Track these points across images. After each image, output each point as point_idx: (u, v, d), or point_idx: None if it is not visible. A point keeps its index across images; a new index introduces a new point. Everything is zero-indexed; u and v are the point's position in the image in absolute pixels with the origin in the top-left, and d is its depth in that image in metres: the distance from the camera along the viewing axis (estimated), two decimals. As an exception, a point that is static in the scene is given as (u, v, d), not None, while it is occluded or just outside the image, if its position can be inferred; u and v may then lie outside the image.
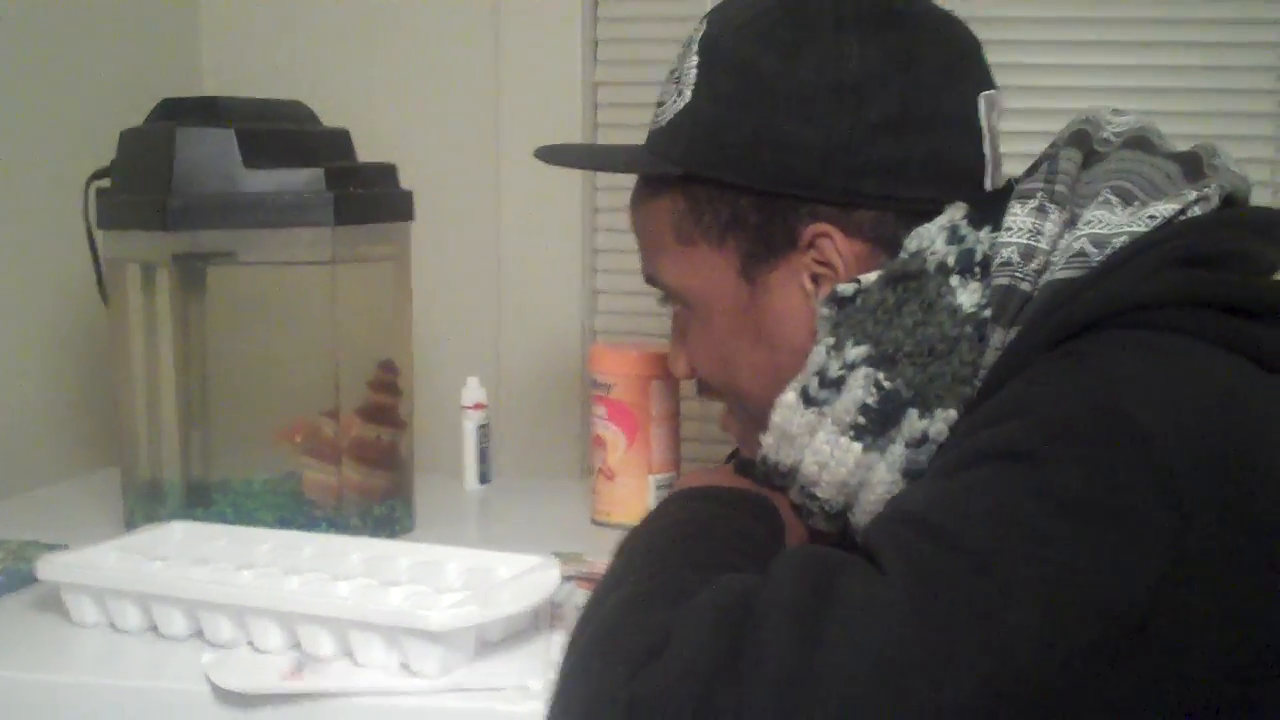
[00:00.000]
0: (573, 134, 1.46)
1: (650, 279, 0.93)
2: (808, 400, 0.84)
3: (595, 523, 1.25)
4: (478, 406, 1.38)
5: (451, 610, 0.83)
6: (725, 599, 0.68)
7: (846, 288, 0.83)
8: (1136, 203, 0.79)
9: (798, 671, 0.63)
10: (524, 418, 1.50)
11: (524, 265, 1.50)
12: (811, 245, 0.84)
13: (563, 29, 1.46)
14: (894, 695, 0.62)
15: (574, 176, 1.45)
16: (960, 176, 0.85)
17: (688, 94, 0.86)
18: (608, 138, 1.48)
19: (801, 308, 0.86)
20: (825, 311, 0.84)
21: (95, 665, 0.90)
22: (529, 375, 1.51)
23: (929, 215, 0.83)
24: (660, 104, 0.90)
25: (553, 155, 0.97)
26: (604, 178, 1.47)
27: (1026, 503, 0.65)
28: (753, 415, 0.90)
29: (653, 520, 0.86)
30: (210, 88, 1.52)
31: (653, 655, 0.67)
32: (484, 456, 1.38)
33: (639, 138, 0.93)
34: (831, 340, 0.83)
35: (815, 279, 0.85)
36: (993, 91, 0.86)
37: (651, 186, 0.91)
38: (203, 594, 0.89)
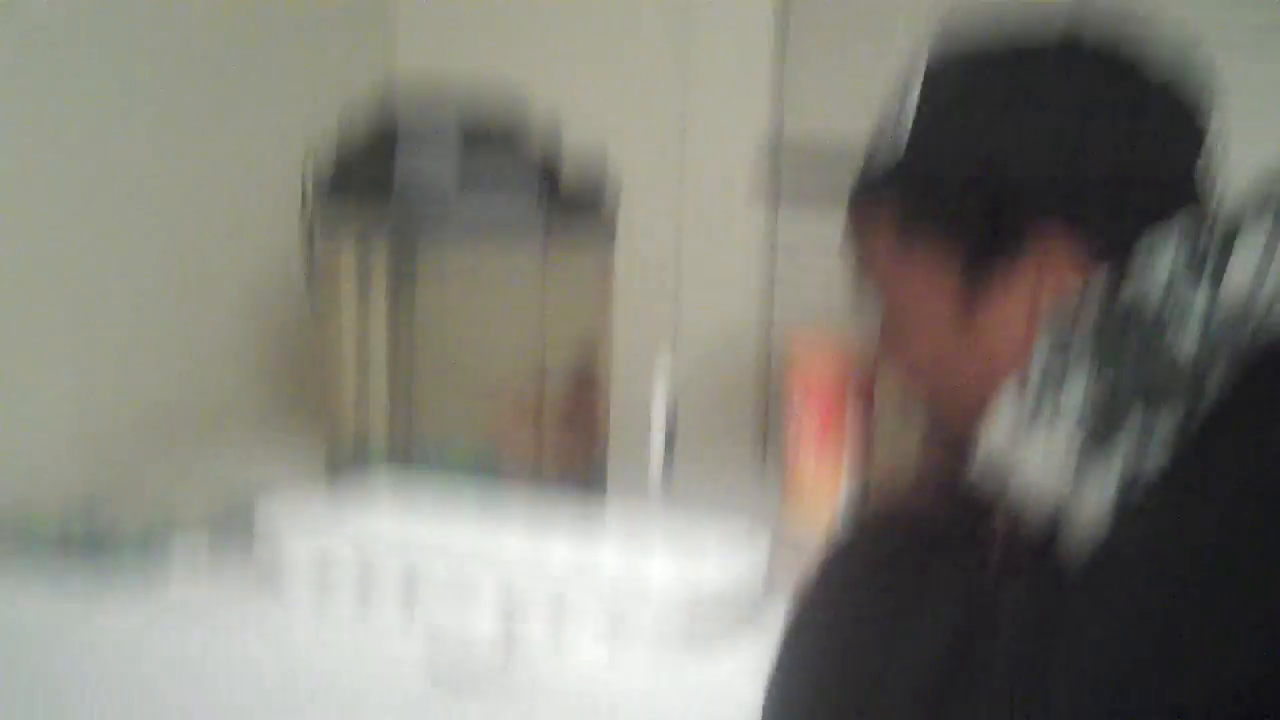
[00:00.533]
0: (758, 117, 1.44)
1: (859, 276, 0.91)
2: (1024, 411, 0.81)
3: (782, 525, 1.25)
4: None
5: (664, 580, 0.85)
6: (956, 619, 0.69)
7: (1071, 301, 0.80)
8: None
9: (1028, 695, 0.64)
10: (706, 409, 1.51)
11: (704, 254, 1.50)
12: (1037, 253, 0.82)
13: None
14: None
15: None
16: (1185, 184, 0.83)
17: (910, 113, 0.86)
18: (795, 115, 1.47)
19: (1021, 316, 0.83)
20: (1046, 325, 0.81)
21: (306, 629, 0.93)
22: (708, 367, 1.51)
23: (1158, 218, 0.80)
24: (883, 127, 0.89)
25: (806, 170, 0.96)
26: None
27: (1257, 547, 0.65)
28: (956, 426, 0.88)
29: (862, 537, 0.84)
30: (405, 57, 1.56)
31: (881, 676, 0.68)
32: (670, 438, 1.39)
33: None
34: (1052, 353, 0.80)
35: (1039, 285, 0.83)
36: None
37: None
38: (420, 550, 0.92)
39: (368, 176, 1.14)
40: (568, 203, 1.15)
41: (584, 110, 1.48)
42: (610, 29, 1.52)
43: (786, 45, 1.47)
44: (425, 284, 1.20)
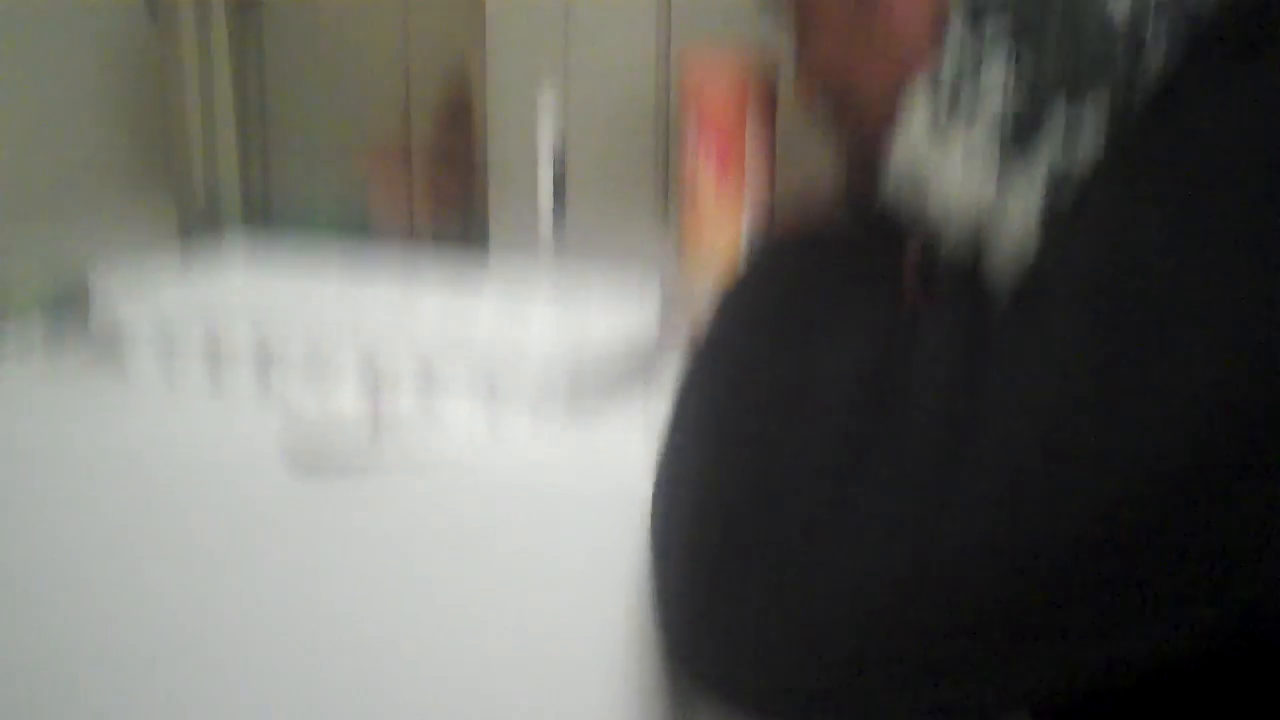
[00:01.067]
0: None
1: None
2: (936, 121, 0.73)
3: (679, 259, 1.16)
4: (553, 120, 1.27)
5: (546, 345, 0.76)
6: (873, 352, 0.61)
7: None
8: None
9: (957, 422, 0.56)
10: (597, 147, 1.40)
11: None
12: None
13: None
14: (1065, 443, 0.54)
15: None
16: None
17: None
18: None
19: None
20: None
21: (154, 418, 0.84)
22: (600, 98, 1.40)
23: None
24: None
25: None
26: None
27: (1218, 243, 0.56)
28: (866, 133, 0.79)
29: (759, 272, 0.77)
30: None
31: (790, 423, 0.60)
32: (560, 179, 1.29)
33: None
34: (965, 27, 0.71)
35: None
36: None
37: None
38: (274, 319, 0.82)
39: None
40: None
41: None
42: None
43: None
44: (271, 14, 1.07)
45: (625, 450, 0.75)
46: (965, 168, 0.73)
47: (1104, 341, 0.55)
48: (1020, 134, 0.71)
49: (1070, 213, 0.70)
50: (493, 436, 0.77)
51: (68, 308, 0.96)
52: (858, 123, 0.80)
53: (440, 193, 1.10)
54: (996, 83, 0.71)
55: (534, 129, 1.26)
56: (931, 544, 0.55)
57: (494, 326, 0.86)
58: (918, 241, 0.80)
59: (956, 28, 0.72)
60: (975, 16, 0.71)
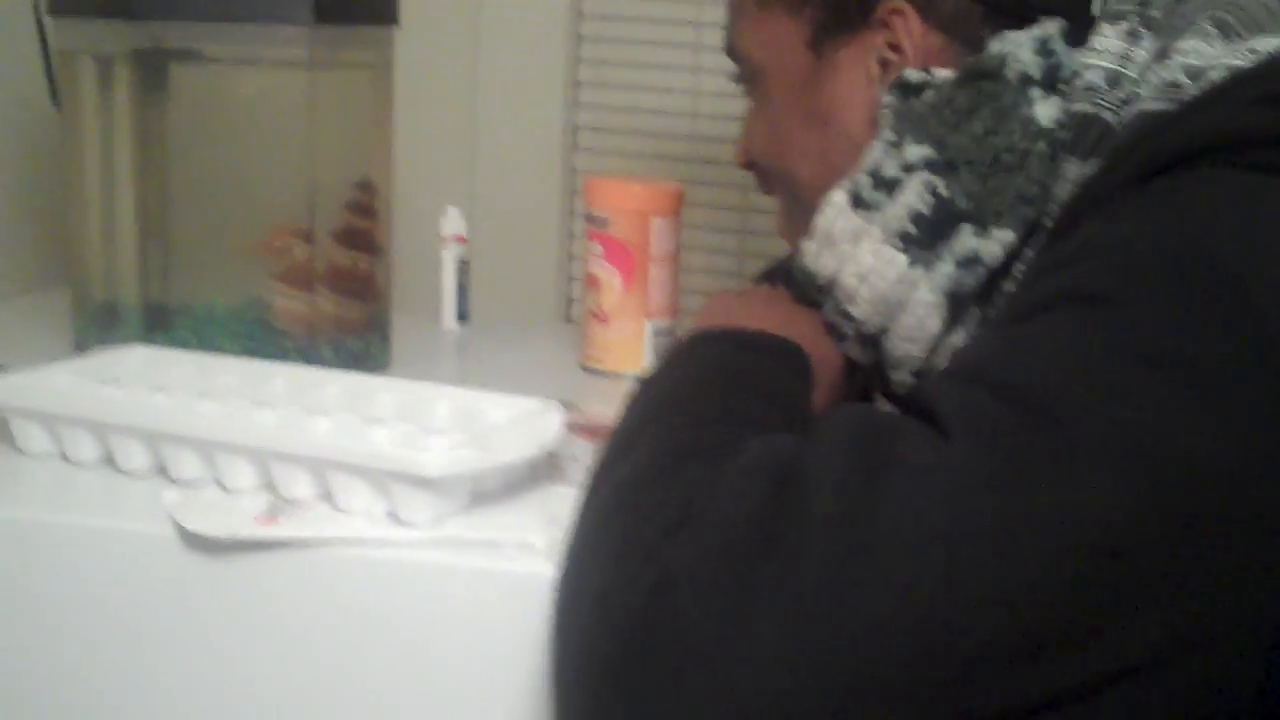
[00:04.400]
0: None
1: (729, 49, 0.90)
2: (857, 202, 0.77)
3: (586, 369, 1.16)
4: (458, 239, 1.28)
5: (446, 454, 0.75)
6: (766, 459, 0.60)
7: (915, 74, 0.77)
8: (1235, 36, 0.71)
9: (852, 542, 0.55)
10: (501, 254, 1.41)
11: (503, 86, 1.39)
12: (885, 24, 0.79)
13: None
14: (961, 569, 0.55)
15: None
16: None
17: None
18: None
19: (864, 92, 0.81)
20: (889, 99, 0.78)
21: (47, 499, 0.81)
22: (507, 209, 1.41)
23: (1021, 25, 0.76)
24: None
25: None
26: (591, 3, 1.36)
27: (1106, 354, 0.58)
28: (805, 210, 0.84)
29: (671, 367, 0.77)
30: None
31: (683, 522, 0.59)
32: (463, 294, 1.29)
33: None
34: (892, 136, 0.76)
35: (884, 65, 0.80)
36: None
37: None
38: (166, 424, 0.80)
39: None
40: (337, 13, 1.02)
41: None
42: None
43: None
44: (176, 117, 1.06)
45: (524, 535, 0.74)
46: (874, 251, 0.76)
47: (1002, 464, 0.56)
48: (925, 239, 0.74)
49: (977, 333, 0.73)
50: (391, 519, 0.76)
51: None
52: (792, 189, 0.87)
53: (343, 300, 1.09)
54: (911, 197, 0.74)
55: (438, 240, 1.27)
56: (831, 639, 0.55)
57: (395, 415, 0.85)
58: (825, 310, 0.82)
59: (878, 148, 0.77)
60: (899, 139, 0.76)
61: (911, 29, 0.78)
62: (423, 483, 0.74)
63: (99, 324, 1.07)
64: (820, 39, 0.82)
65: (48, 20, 1.06)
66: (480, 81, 1.39)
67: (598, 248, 1.13)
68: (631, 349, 1.13)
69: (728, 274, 1.45)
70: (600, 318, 1.14)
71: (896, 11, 0.79)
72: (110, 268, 1.08)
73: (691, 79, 1.43)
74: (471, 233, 1.31)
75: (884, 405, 0.85)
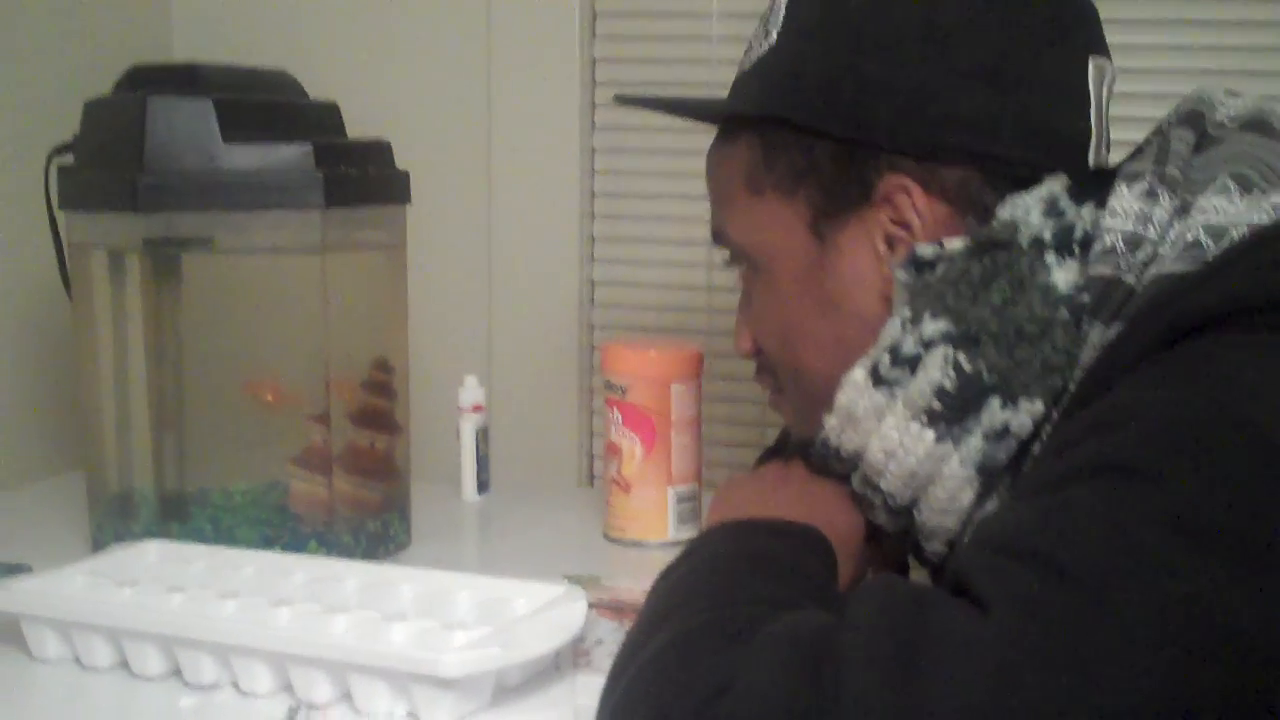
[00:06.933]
0: (569, 110, 1.35)
1: (717, 235, 0.86)
2: (877, 380, 0.75)
3: (609, 539, 1.14)
4: (476, 409, 1.27)
5: (467, 653, 0.73)
6: (800, 635, 0.59)
7: (927, 249, 0.74)
8: (1257, 191, 0.69)
9: (892, 717, 0.53)
10: (520, 421, 1.39)
11: (517, 256, 1.39)
12: (888, 201, 0.76)
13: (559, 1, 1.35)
14: None
15: (570, 159, 1.34)
16: (1061, 145, 0.76)
17: (774, 35, 0.80)
18: (605, 113, 1.37)
19: (873, 272, 0.78)
20: (902, 276, 0.75)
21: (59, 709, 0.78)
22: (524, 375, 1.40)
23: (1024, 184, 0.74)
24: (747, 50, 0.83)
25: (631, 100, 0.91)
26: (604, 159, 1.37)
27: (1143, 526, 0.56)
28: (812, 393, 0.81)
29: (693, 555, 0.75)
30: (181, 54, 1.41)
31: (722, 692, 0.57)
32: (482, 464, 1.28)
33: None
34: (908, 312, 0.74)
35: (890, 242, 0.77)
36: (1104, 60, 0.77)
37: (727, 134, 0.84)
38: (181, 629, 0.78)
39: (114, 179, 0.99)
40: (349, 196, 1.02)
41: (378, 86, 1.37)
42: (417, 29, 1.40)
43: (595, 35, 1.37)
44: (188, 305, 1.06)
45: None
46: (900, 428, 0.74)
47: (1043, 638, 0.54)
48: (951, 414, 0.72)
49: (1006, 503, 0.71)
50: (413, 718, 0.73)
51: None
52: (800, 377, 0.83)
53: (362, 483, 1.07)
54: (934, 372, 0.73)
55: (456, 410, 1.26)
56: None
57: (415, 609, 0.83)
58: (853, 481, 0.80)
59: (895, 325, 0.75)
60: (915, 314, 0.74)
61: (916, 203, 0.76)
62: (444, 684, 0.72)
63: (115, 513, 1.06)
64: (820, 221, 0.79)
65: (59, 214, 1.06)
66: (494, 249, 1.39)
67: (617, 415, 1.12)
68: (654, 517, 1.11)
69: (750, 427, 1.42)
70: (622, 485, 1.12)
71: (900, 188, 0.76)
72: (125, 456, 1.07)
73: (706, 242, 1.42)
74: (489, 400, 1.30)
75: (917, 570, 0.83)
